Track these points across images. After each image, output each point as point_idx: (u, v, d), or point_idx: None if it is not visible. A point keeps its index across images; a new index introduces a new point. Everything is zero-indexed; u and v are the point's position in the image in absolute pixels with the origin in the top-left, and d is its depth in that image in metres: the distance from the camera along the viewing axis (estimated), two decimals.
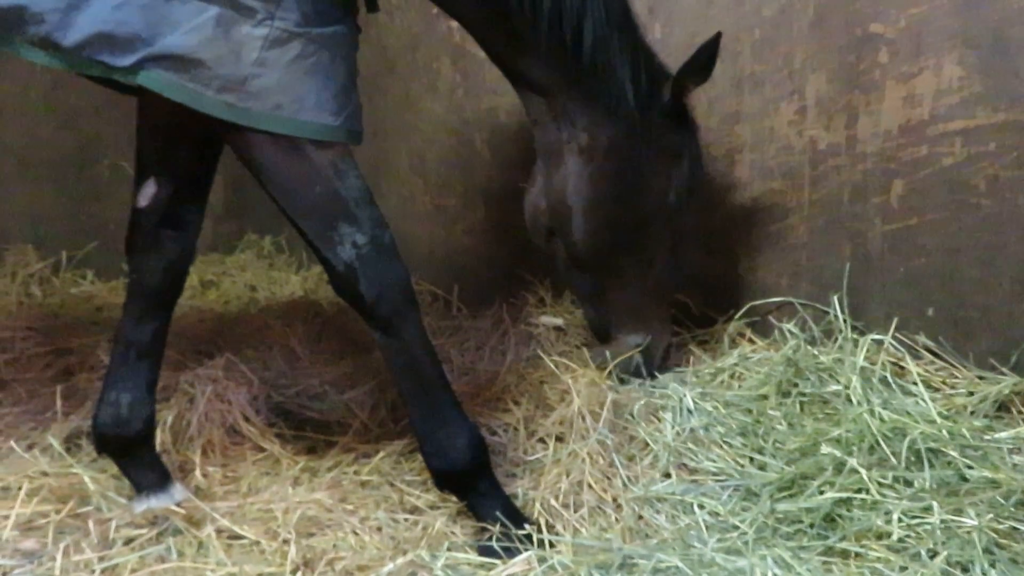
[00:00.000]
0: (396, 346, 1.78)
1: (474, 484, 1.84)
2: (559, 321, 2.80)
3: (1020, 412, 2.13)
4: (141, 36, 1.60)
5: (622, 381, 2.39)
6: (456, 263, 3.34)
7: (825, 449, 2.00)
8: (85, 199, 3.43)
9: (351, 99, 1.75)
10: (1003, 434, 2.03)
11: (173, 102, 1.65)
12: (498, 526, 1.74)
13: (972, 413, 2.12)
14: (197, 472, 2.09)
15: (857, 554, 1.67)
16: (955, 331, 2.28)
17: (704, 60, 2.25)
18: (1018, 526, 1.71)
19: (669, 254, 2.41)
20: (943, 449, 1.97)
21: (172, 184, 1.92)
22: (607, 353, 2.41)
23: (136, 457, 1.97)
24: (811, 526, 1.78)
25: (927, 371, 2.26)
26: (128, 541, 1.79)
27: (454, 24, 3.15)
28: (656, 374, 2.43)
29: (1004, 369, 2.20)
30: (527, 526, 1.77)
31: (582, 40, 2.10)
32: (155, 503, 1.92)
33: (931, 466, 1.92)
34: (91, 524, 1.80)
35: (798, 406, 2.22)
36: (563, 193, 2.30)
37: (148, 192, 1.92)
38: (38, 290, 3.24)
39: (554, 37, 2.09)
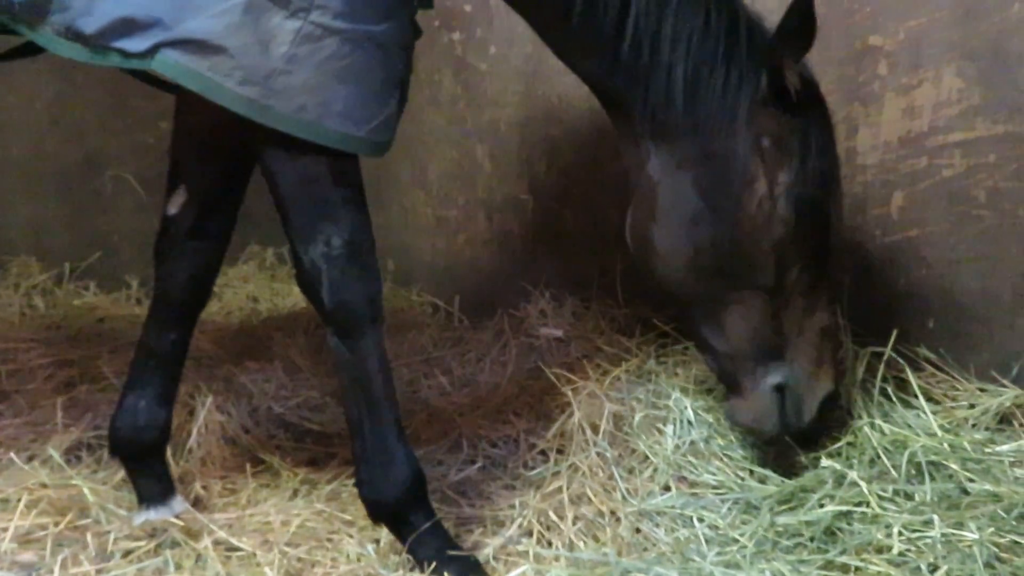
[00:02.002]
0: (348, 358, 1.70)
1: (407, 519, 1.74)
2: (559, 332, 2.79)
3: (1021, 425, 2.12)
4: (163, 20, 1.51)
5: (768, 442, 2.02)
6: (457, 274, 3.34)
7: (825, 462, 2.00)
8: (88, 211, 3.43)
9: (384, 106, 1.63)
10: (1004, 447, 2.03)
11: (208, 108, 1.57)
12: (433, 566, 1.66)
13: (973, 426, 2.12)
14: (196, 484, 2.08)
15: (857, 568, 1.66)
16: (956, 343, 2.28)
17: (796, 24, 1.80)
18: (1020, 540, 1.70)
19: (809, 271, 1.93)
20: (944, 462, 1.97)
21: (203, 194, 1.89)
22: (733, 406, 2.02)
23: (147, 466, 1.97)
24: (811, 539, 1.77)
25: (928, 383, 2.25)
26: (126, 553, 1.79)
27: (456, 36, 3.17)
28: (808, 432, 1.98)
29: (1005, 381, 2.20)
30: (476, 558, 1.71)
31: (624, 30, 1.81)
32: (154, 515, 1.92)
33: (932, 479, 1.91)
34: (89, 536, 1.80)
35: None
36: (639, 220, 1.99)
37: (178, 200, 1.89)
38: (40, 301, 3.24)
39: (594, 27, 1.81)
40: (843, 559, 1.69)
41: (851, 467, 1.93)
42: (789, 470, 2.03)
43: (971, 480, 1.92)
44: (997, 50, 2.18)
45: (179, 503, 1.97)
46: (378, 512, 1.77)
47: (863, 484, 1.84)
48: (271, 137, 1.60)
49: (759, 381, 1.96)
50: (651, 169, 1.94)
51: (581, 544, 1.82)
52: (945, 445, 2.00)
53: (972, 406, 2.16)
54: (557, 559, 1.71)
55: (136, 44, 1.53)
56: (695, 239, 1.91)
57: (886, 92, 2.37)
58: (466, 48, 3.15)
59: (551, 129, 3.01)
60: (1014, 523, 1.76)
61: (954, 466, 1.93)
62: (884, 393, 2.20)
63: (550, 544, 1.82)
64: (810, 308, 1.95)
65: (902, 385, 2.24)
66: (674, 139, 1.89)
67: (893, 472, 1.92)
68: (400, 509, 1.75)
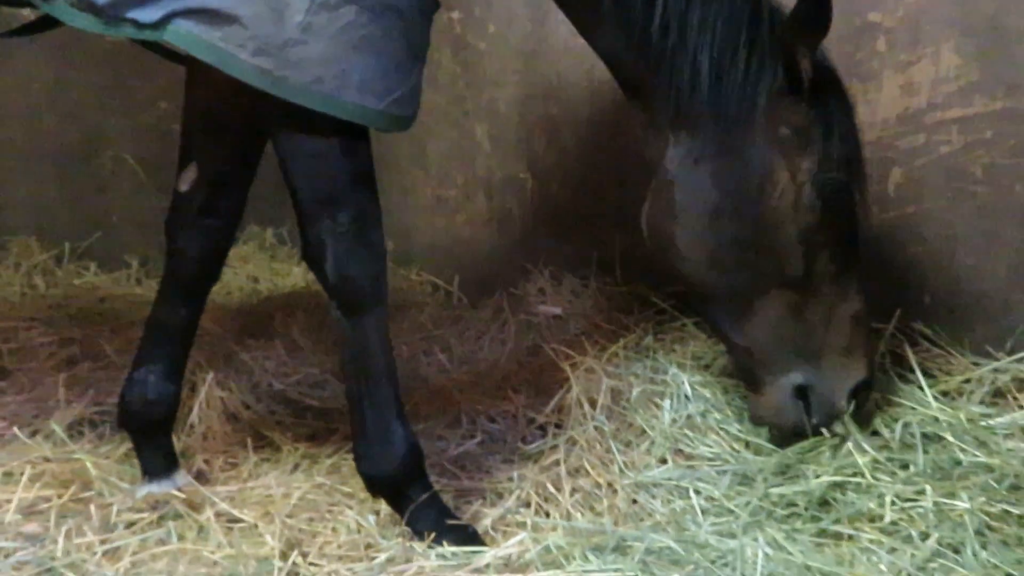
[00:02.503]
0: (350, 334, 1.70)
1: (405, 493, 1.75)
2: (558, 310, 2.81)
3: (1015, 398, 2.14)
4: None
5: (794, 436, 1.96)
6: (457, 254, 3.35)
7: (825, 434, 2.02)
8: (88, 191, 3.44)
9: (406, 78, 1.59)
10: (998, 420, 2.05)
11: (220, 82, 1.54)
12: (432, 535, 1.68)
13: (968, 399, 2.14)
14: (198, 458, 2.10)
15: (850, 536, 1.68)
16: (952, 318, 2.30)
17: (810, 11, 1.75)
18: (1010, 509, 1.73)
19: (837, 258, 1.89)
20: (939, 434, 1.99)
21: (214, 171, 1.86)
22: (753, 403, 1.99)
23: (153, 440, 1.99)
24: (805, 509, 1.79)
25: (923, 358, 2.27)
26: (129, 525, 1.81)
27: (455, 15, 3.16)
28: (837, 427, 1.94)
29: (999, 355, 2.22)
30: (472, 529, 1.73)
31: (653, 12, 1.76)
32: (157, 488, 1.94)
33: (926, 451, 1.93)
34: (93, 508, 1.82)
35: None
36: (657, 213, 1.94)
37: (189, 177, 1.88)
38: (41, 281, 3.25)
39: (623, 6, 1.76)
40: (836, 528, 1.71)
41: (847, 439, 1.95)
42: (785, 442, 2.05)
43: (964, 451, 1.94)
44: (995, 26, 2.18)
45: (182, 476, 1.99)
46: (376, 486, 1.79)
47: (857, 455, 1.86)
48: (283, 110, 1.57)
49: (779, 377, 1.93)
50: (669, 160, 1.89)
51: (578, 515, 1.84)
52: (941, 418, 2.02)
53: (967, 380, 2.19)
54: (554, 529, 1.73)
55: (148, 14, 1.51)
56: (715, 234, 1.87)
57: (884, 69, 2.37)
58: (465, 27, 3.14)
59: (550, 108, 3.01)
60: (1005, 493, 1.79)
61: (949, 438, 1.95)
62: (881, 367, 2.21)
63: (548, 515, 1.84)
64: (840, 296, 1.90)
65: (898, 359, 2.26)
66: (694, 129, 1.85)
67: (890, 444, 1.94)
68: (397, 483, 1.76)
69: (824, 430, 1.96)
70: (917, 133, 2.33)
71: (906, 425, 1.99)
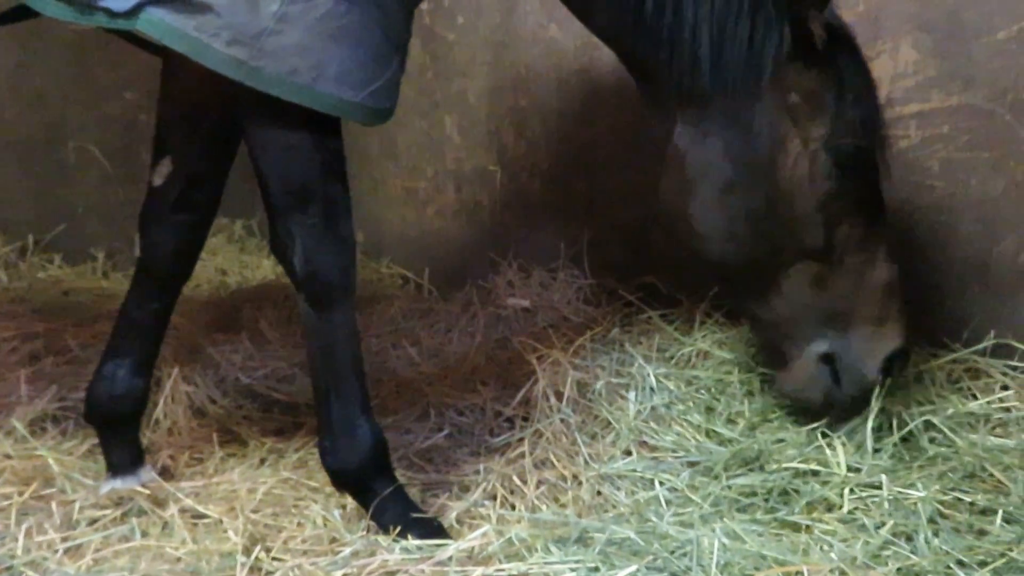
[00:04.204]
0: (318, 326, 1.70)
1: (370, 487, 1.75)
2: (526, 303, 2.82)
3: (969, 388, 2.19)
4: None
5: (822, 410, 1.93)
6: (427, 246, 3.35)
7: (787, 423, 2.06)
8: (52, 182, 3.39)
9: (385, 69, 1.57)
10: (953, 409, 2.09)
11: (194, 73, 1.51)
12: (398, 529, 1.68)
13: (925, 389, 2.18)
14: (163, 454, 2.09)
15: (807, 526, 1.72)
16: (909, 309, 2.33)
17: None
18: (962, 497, 1.77)
19: (860, 226, 1.85)
20: (898, 423, 2.02)
21: (189, 165, 1.84)
22: (779, 378, 1.97)
23: (119, 434, 1.97)
24: (765, 500, 1.83)
25: None
26: (92, 522, 1.80)
27: (424, 6, 3.14)
28: (868, 397, 1.88)
29: (955, 346, 2.26)
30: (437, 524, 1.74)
31: None
32: (121, 484, 1.93)
33: (886, 441, 1.97)
34: (54, 505, 1.81)
35: (759, 383, 2.26)
36: (671, 193, 1.90)
37: (163, 171, 1.85)
38: (3, 274, 3.20)
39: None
40: (794, 518, 1.74)
41: (808, 429, 1.98)
42: (749, 432, 2.09)
43: (923, 441, 1.98)
44: (952, 23, 2.22)
45: (147, 472, 1.98)
46: (341, 480, 1.79)
47: (826, 449, 1.87)
48: (256, 101, 1.55)
49: (803, 349, 1.89)
50: (679, 137, 1.85)
51: (543, 507, 1.86)
52: (898, 407, 2.06)
53: (924, 370, 2.23)
54: (519, 521, 1.75)
55: (120, 3, 1.48)
56: (731, 208, 1.83)
57: None
58: (434, 18, 3.13)
59: (519, 99, 3.01)
60: (959, 481, 1.83)
61: (916, 421, 1.97)
62: None
63: (513, 507, 1.86)
64: (867, 264, 1.86)
65: None
66: (701, 104, 1.80)
67: (853, 434, 1.97)
68: (362, 477, 1.77)
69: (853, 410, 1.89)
70: None
71: (869, 415, 2.03)
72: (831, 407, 1.94)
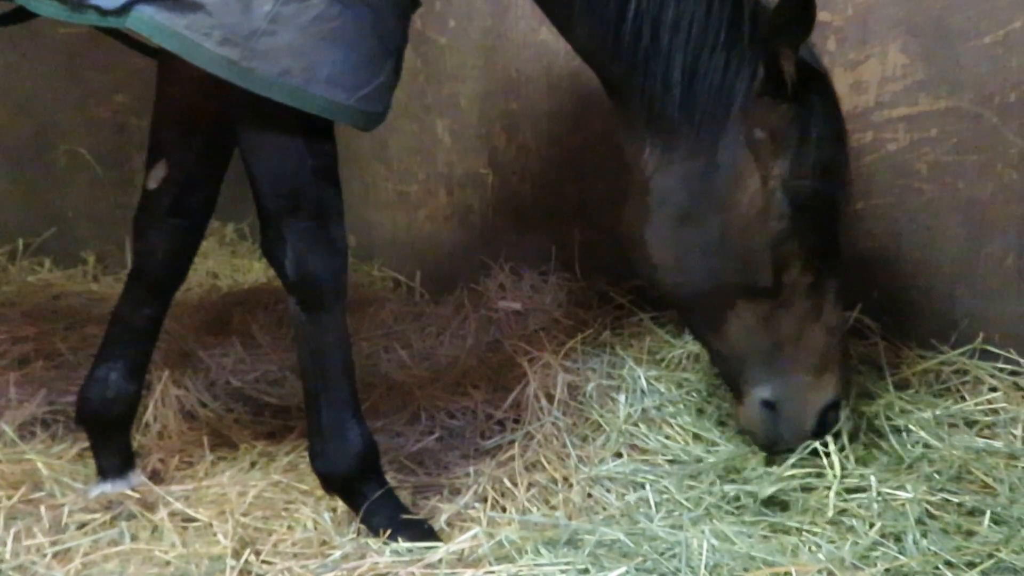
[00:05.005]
0: (309, 330, 1.69)
1: (359, 490, 1.75)
2: (517, 306, 2.83)
3: (959, 390, 2.20)
4: None
5: (768, 450, 1.92)
6: (418, 249, 3.36)
7: None
8: (42, 186, 3.38)
9: (378, 73, 1.57)
10: (941, 411, 2.11)
11: (188, 76, 1.51)
12: (388, 532, 1.68)
13: (914, 391, 2.19)
14: (153, 457, 2.09)
15: (796, 528, 1.72)
16: (898, 312, 2.35)
17: (792, 9, 1.67)
18: (950, 498, 1.78)
19: (812, 270, 1.82)
20: (891, 425, 2.04)
21: (184, 169, 1.84)
22: (734, 410, 1.95)
23: (110, 438, 1.97)
24: (754, 501, 1.83)
25: (872, 351, 2.32)
26: (81, 526, 1.80)
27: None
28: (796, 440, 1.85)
29: (944, 348, 2.28)
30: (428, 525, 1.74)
31: (626, 14, 1.72)
32: (110, 488, 1.93)
33: (877, 443, 1.98)
34: (43, 509, 1.80)
35: None
36: (631, 216, 1.89)
37: (158, 175, 1.85)
38: None
39: (596, 8, 1.73)
40: (782, 520, 1.75)
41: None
42: (740, 434, 2.09)
43: (913, 443, 1.99)
44: (940, 26, 2.23)
45: (136, 476, 1.98)
46: (330, 484, 1.79)
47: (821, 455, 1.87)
48: (248, 102, 1.55)
49: (751, 390, 1.87)
50: (644, 162, 1.84)
51: (534, 509, 1.86)
52: (886, 410, 2.07)
53: (913, 372, 2.24)
54: (509, 523, 1.75)
55: (111, 1, 1.47)
56: (683, 238, 1.81)
57: (834, 67, 2.40)
58: (425, 22, 3.14)
59: (510, 103, 3.02)
60: (947, 483, 1.84)
61: (902, 429, 1.99)
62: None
63: (504, 509, 1.86)
64: (814, 311, 1.82)
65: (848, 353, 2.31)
66: (669, 132, 1.78)
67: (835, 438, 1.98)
68: (352, 481, 1.77)
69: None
70: (865, 131, 2.38)
71: (860, 416, 2.04)
72: (778, 450, 1.92)
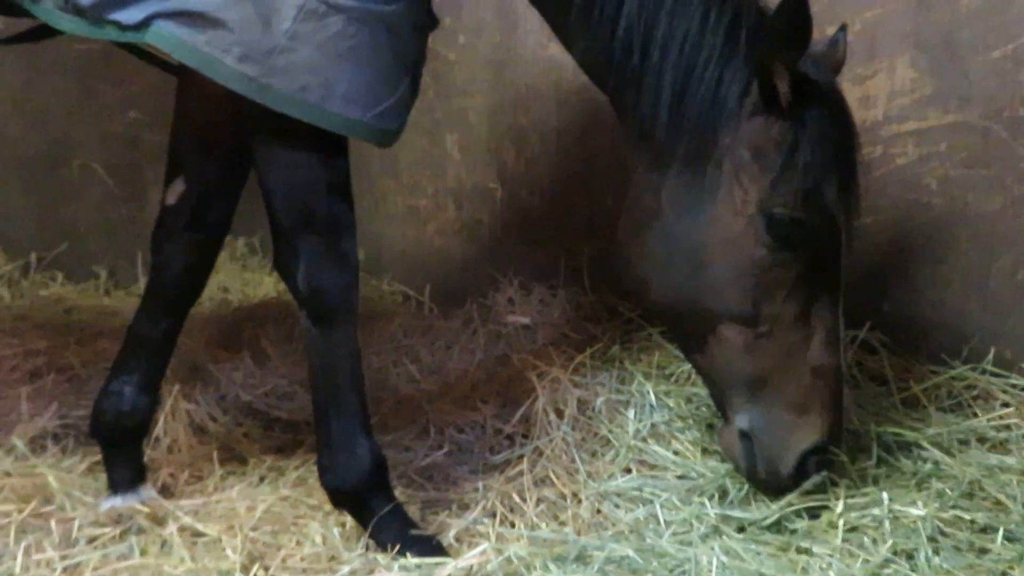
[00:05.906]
0: (319, 344, 1.70)
1: (368, 505, 1.75)
2: (526, 320, 2.83)
3: (970, 406, 2.19)
4: None
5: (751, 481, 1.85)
6: (428, 263, 3.37)
7: None
8: (54, 200, 3.41)
9: (393, 91, 1.58)
10: (953, 427, 2.09)
11: (208, 92, 1.53)
12: (396, 547, 1.68)
13: (924, 407, 2.18)
14: (163, 471, 2.09)
15: (807, 546, 1.71)
16: (908, 327, 2.34)
17: (786, 25, 1.60)
18: (962, 515, 1.76)
19: (799, 302, 1.73)
20: (901, 442, 2.02)
21: (202, 184, 1.85)
22: (721, 437, 1.88)
23: (123, 451, 1.98)
24: (764, 517, 1.82)
25: (882, 366, 2.31)
26: (91, 540, 1.80)
27: None
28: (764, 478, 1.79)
29: (955, 364, 2.26)
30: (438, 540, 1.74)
31: (616, 31, 1.70)
32: (121, 502, 1.94)
33: (888, 459, 1.96)
34: (53, 523, 1.81)
35: None
36: (622, 232, 1.88)
37: (176, 190, 1.87)
38: (6, 292, 3.22)
39: (590, 25, 1.71)
40: (793, 537, 1.73)
41: None
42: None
43: (923, 459, 1.98)
44: (948, 41, 2.23)
45: (147, 490, 1.99)
46: (339, 498, 1.80)
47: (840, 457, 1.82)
48: (264, 117, 1.56)
49: (732, 416, 1.82)
50: (637, 178, 1.83)
51: (543, 525, 1.86)
52: (897, 427, 2.05)
53: (926, 388, 2.23)
54: (518, 539, 1.75)
55: (130, 15, 1.49)
56: (665, 258, 1.77)
57: (843, 82, 2.41)
58: (435, 37, 3.10)
59: (519, 118, 3.03)
60: (959, 499, 1.82)
61: (912, 444, 1.98)
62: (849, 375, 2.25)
63: (512, 525, 1.86)
64: (800, 346, 1.73)
65: (858, 368, 2.30)
66: (659, 149, 1.74)
67: (854, 451, 1.97)
68: (361, 496, 1.77)
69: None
70: (874, 145, 2.37)
71: (868, 432, 2.03)
72: (762, 481, 1.83)
